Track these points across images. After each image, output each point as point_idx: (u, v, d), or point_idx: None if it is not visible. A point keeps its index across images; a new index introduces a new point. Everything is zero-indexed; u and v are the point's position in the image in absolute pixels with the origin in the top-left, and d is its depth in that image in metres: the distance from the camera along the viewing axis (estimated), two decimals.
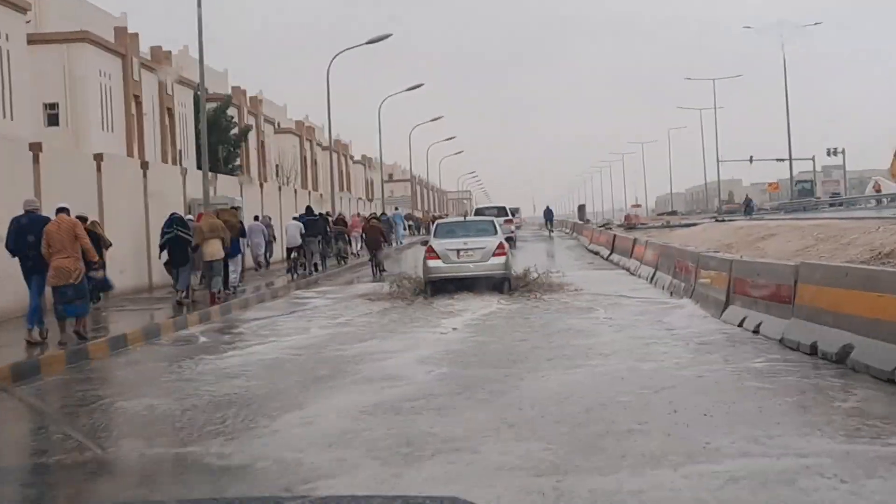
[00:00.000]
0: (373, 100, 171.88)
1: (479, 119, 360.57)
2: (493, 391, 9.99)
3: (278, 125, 73.19)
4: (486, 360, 12.38)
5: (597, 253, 37.75)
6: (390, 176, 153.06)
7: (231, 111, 55.55)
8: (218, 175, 34.55)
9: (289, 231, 33.35)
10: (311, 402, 9.93)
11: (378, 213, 51.58)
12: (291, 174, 60.97)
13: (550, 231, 69.64)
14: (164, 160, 45.33)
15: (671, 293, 19.31)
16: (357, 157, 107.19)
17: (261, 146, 63.44)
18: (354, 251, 44.00)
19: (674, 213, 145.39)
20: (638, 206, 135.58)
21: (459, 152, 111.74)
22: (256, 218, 35.57)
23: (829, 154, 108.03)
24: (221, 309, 20.90)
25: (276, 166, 68.03)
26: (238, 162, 53.29)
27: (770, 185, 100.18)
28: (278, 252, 36.65)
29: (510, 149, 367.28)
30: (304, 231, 32.47)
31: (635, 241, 28.72)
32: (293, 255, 32.23)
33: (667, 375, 10.36)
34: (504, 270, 22.94)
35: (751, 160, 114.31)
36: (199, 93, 26.36)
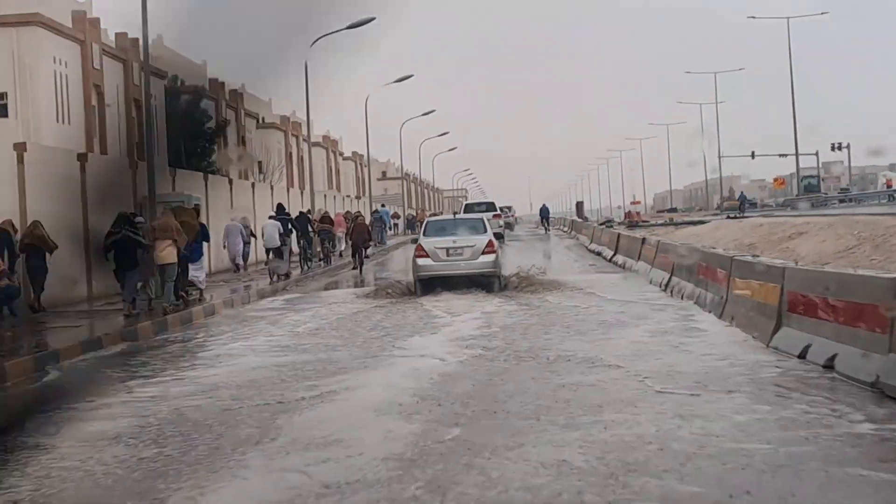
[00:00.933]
0: (365, 96, 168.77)
1: (476, 116, 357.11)
2: (477, 471, 6.59)
3: (262, 120, 69.72)
4: (473, 415, 8.74)
5: (598, 254, 34.32)
6: (384, 173, 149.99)
7: (207, 105, 52.03)
8: (178, 170, 31.16)
9: (266, 231, 30.51)
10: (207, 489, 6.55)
11: (357, 211, 48.82)
12: (275, 170, 57.44)
13: (547, 229, 67.30)
14: (131, 156, 41.86)
15: (695, 304, 15.89)
16: (348, 154, 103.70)
17: (241, 142, 59.97)
18: (341, 250, 40.69)
19: (673, 210, 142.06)
20: (637, 203, 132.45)
21: (453, 148, 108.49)
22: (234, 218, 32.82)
23: (833, 149, 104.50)
24: (155, 326, 17.51)
25: (259, 163, 64.59)
26: (214, 158, 49.77)
27: (775, 180, 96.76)
28: (259, 253, 33.47)
29: (507, 146, 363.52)
30: (281, 230, 30.10)
31: (644, 240, 25.30)
32: (271, 256, 29.55)
33: (725, 452, 6.77)
34: (493, 268, 22.81)
35: (752, 156, 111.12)
36: (144, 70, 22.84)
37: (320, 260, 36.37)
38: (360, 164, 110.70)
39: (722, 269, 14.63)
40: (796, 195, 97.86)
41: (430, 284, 22.72)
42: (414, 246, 24.65)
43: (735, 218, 44.56)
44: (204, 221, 25.67)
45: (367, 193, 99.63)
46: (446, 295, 21.49)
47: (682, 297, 17.41)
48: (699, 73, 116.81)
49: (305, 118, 44.48)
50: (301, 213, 36.64)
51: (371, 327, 16.24)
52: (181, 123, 46.91)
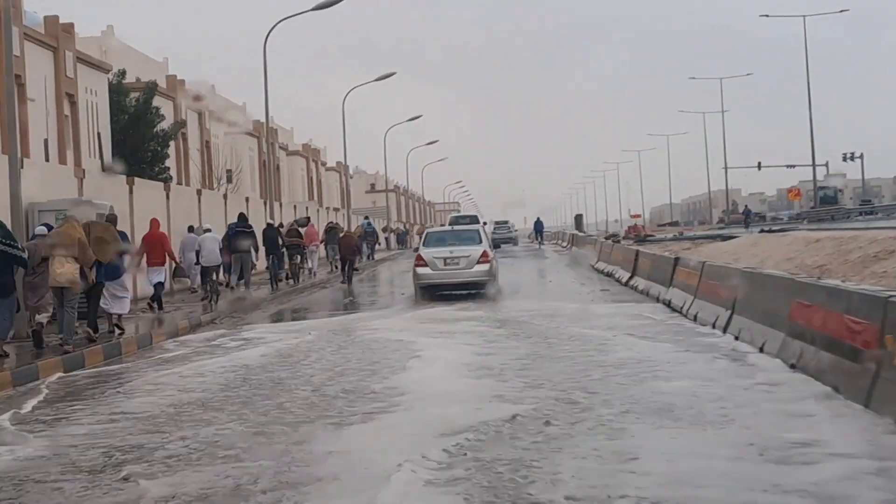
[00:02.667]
0: (344, 94, 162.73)
1: (469, 129, 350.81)
2: None
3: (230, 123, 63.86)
4: None
5: (609, 275, 28.39)
6: (372, 186, 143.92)
7: (165, 104, 46.12)
8: (86, 171, 25.24)
9: (204, 246, 25.26)
10: None
11: (334, 222, 44.26)
12: (233, 177, 51.21)
13: (540, 243, 63.77)
14: (63, 160, 35.89)
15: (809, 374, 9.77)
16: (333, 165, 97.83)
17: (205, 147, 53.98)
18: (310, 267, 35.20)
19: (675, 223, 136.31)
20: (637, 216, 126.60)
21: (443, 158, 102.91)
22: (191, 229, 27.80)
23: (844, 159, 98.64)
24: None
25: (229, 171, 58.64)
26: (168, 164, 43.75)
27: (790, 191, 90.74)
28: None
29: (500, 160, 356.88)
30: (222, 245, 25.84)
31: (677, 261, 19.35)
32: (213, 276, 24.83)
33: None
34: (488, 277, 23.88)
35: (759, 167, 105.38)
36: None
37: (288, 278, 31.39)
38: (346, 175, 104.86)
39: (861, 319, 8.57)
40: (811, 207, 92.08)
41: (429, 291, 23.89)
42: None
43: (771, 231, 38.66)
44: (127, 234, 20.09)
45: (354, 206, 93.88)
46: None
47: (760, 349, 11.48)
48: (704, 78, 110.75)
49: (296, 126, 38.66)
50: (269, 224, 31.39)
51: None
52: (132, 124, 41.03)
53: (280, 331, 18.01)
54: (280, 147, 73.23)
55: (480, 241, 24.61)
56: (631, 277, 24.79)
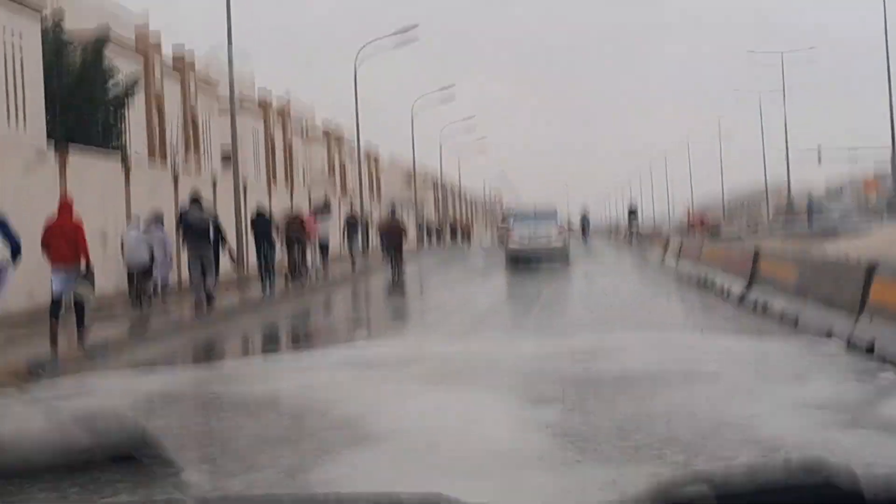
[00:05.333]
0: (402, 98, 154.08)
1: (511, 118, 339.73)
2: None
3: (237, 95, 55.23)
4: None
5: (703, 283, 19.57)
6: (409, 177, 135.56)
7: (130, 65, 37.58)
8: None
9: (127, 243, 19.86)
10: None
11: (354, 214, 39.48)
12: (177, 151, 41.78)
13: (587, 241, 57.20)
14: None
15: None
16: (370, 153, 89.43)
17: (192, 124, 45.32)
18: (314, 264, 28.82)
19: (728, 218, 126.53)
20: (689, 211, 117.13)
21: (482, 138, 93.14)
22: (159, 220, 21.33)
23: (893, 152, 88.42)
24: None
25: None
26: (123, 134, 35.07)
27: (867, 182, 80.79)
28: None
29: (547, 153, 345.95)
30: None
31: (873, 270, 10.32)
32: (138, 279, 19.64)
33: None
34: (564, 248, 30.13)
35: (819, 158, 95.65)
36: None
37: (294, 279, 25.92)
38: (377, 163, 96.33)
39: None
40: (889, 199, 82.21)
41: (516, 259, 29.22)
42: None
43: None
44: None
45: (359, 189, 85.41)
46: None
47: None
48: (764, 52, 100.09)
49: (315, 104, 30.16)
50: (260, 213, 25.16)
51: None
52: (77, 85, 32.33)
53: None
54: (294, 128, 64.67)
55: (558, 221, 31.26)
56: (748, 288, 15.83)
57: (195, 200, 20.25)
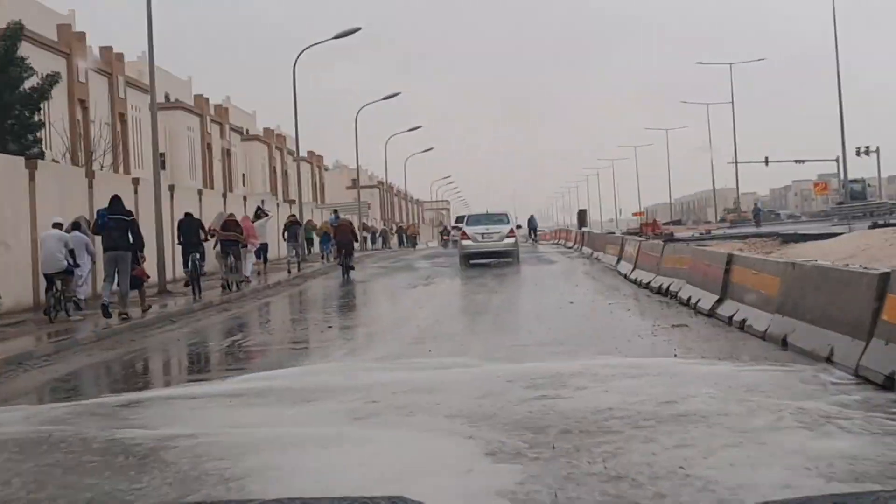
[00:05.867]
0: (348, 106, 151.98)
1: (456, 124, 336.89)
2: None
3: (171, 99, 52.92)
4: None
5: (666, 292, 17.96)
6: (354, 182, 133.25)
7: (53, 61, 35.40)
8: None
9: (44, 246, 18.46)
10: None
11: (295, 216, 37.76)
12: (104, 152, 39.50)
13: (535, 241, 60.83)
14: None
15: None
16: (313, 155, 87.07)
17: (119, 120, 43.01)
18: (246, 275, 27.14)
19: (679, 222, 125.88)
20: (641, 214, 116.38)
21: (429, 149, 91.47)
22: (76, 226, 20.13)
23: (858, 154, 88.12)
24: None
25: (162, 155, 47.83)
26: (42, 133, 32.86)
27: (817, 185, 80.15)
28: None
29: (490, 157, 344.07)
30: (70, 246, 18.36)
31: (887, 279, 8.62)
32: (56, 286, 18.06)
33: None
34: (513, 247, 32.85)
35: (766, 162, 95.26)
36: None
37: (229, 285, 24.87)
38: (319, 166, 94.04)
39: None
40: (839, 203, 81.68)
41: (470, 257, 32.10)
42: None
43: (888, 225, 28.34)
44: None
45: (315, 199, 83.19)
46: None
47: None
48: (712, 64, 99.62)
49: (243, 110, 28.02)
50: (188, 214, 24.33)
51: None
52: None
53: None
54: (233, 129, 62.44)
55: (508, 222, 33.49)
56: (720, 302, 14.19)
57: (115, 201, 18.53)
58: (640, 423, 7.12)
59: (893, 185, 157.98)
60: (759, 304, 12.31)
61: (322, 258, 41.03)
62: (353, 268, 30.75)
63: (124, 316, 17.53)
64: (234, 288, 24.77)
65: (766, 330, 11.56)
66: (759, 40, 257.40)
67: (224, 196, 38.07)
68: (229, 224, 25.81)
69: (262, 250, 32.13)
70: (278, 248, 38.51)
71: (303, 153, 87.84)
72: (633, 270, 23.09)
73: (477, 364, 10.52)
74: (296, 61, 41.23)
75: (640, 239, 25.55)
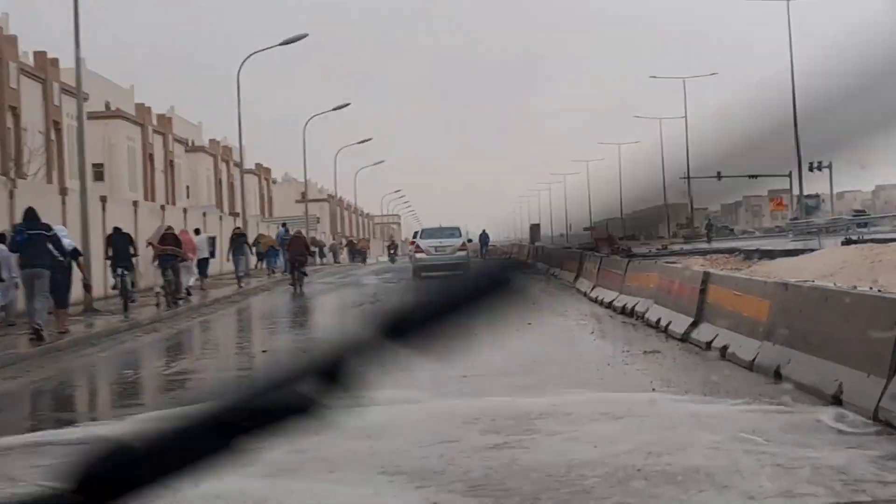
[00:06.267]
0: (298, 121, 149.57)
1: (407, 138, 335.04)
2: None
3: (112, 108, 50.96)
4: None
5: (631, 313, 16.62)
6: (302, 195, 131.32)
7: None
8: None
9: None
10: None
11: (240, 229, 37.06)
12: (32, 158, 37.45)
13: (485, 257, 53.19)
14: None
15: None
16: (261, 168, 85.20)
17: (52, 127, 41.06)
18: (190, 285, 26.61)
19: (632, 237, 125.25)
20: (593, 229, 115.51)
21: (379, 162, 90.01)
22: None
23: (811, 169, 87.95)
24: None
25: (100, 164, 45.91)
26: None
27: (773, 200, 79.60)
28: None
29: (445, 172, 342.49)
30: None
31: None
32: None
33: None
34: (465, 260, 32.98)
35: (718, 176, 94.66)
36: None
37: (167, 302, 23.19)
38: (267, 179, 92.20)
39: None
40: (792, 219, 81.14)
41: (423, 269, 32.89)
42: None
43: (862, 241, 27.31)
44: None
45: (264, 213, 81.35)
46: None
47: None
48: (666, 77, 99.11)
49: (188, 122, 26.29)
50: (116, 229, 23.01)
51: None
52: None
53: None
54: (177, 140, 60.56)
55: (460, 235, 35.33)
56: (694, 325, 12.84)
57: (30, 214, 16.91)
58: (629, 484, 5.71)
59: (843, 201, 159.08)
60: (744, 329, 10.97)
61: (268, 273, 39.47)
62: (305, 274, 31.16)
63: (33, 337, 15.87)
64: (172, 305, 23.40)
65: (753, 359, 10.20)
66: (713, 56, 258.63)
67: (162, 208, 36.32)
68: (167, 237, 24.66)
69: (204, 265, 30.90)
70: (221, 262, 36.90)
71: (250, 166, 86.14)
72: (593, 288, 21.74)
73: (425, 399, 9.04)
74: (240, 69, 39.62)
75: (600, 255, 24.12)
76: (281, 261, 39.46)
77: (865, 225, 70.09)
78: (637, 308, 16.46)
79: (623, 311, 17.42)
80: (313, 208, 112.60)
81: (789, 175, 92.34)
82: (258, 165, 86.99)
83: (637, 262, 18.71)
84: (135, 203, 32.77)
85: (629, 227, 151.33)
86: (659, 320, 14.58)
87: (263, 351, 14.91)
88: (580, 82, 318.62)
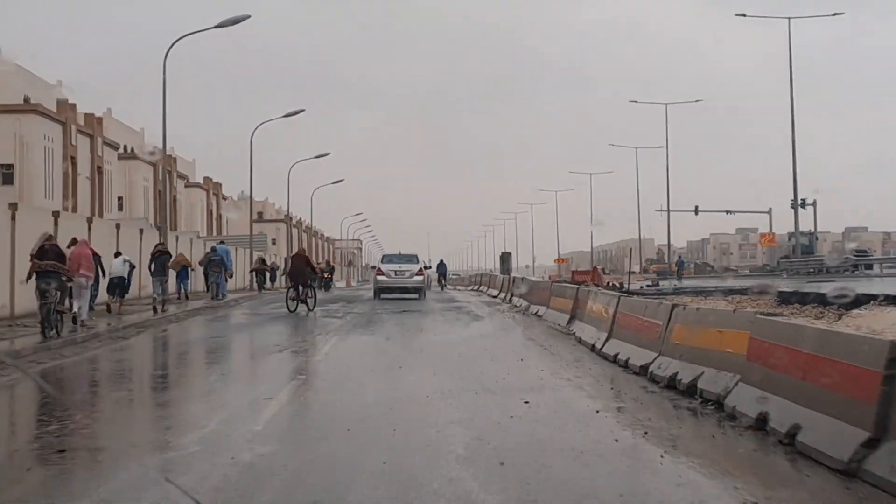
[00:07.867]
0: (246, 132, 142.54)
1: (374, 164, 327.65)
2: None
3: (25, 99, 44.31)
4: None
5: (666, 382, 10.29)
6: (260, 214, 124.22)
7: None
8: None
9: None
10: None
11: (163, 244, 30.89)
12: None
13: (444, 287, 57.67)
14: None
15: None
16: (209, 182, 78.26)
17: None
18: (76, 312, 20.87)
19: (604, 272, 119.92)
20: (563, 261, 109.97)
21: (339, 181, 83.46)
22: None
23: (793, 206, 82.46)
24: None
25: (9, 165, 39.18)
26: None
27: (764, 236, 73.92)
28: None
29: (408, 198, 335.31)
30: None
31: None
32: None
33: None
34: (421, 284, 37.44)
35: (696, 211, 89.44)
36: None
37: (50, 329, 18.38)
38: (217, 195, 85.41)
39: None
40: (783, 257, 75.58)
41: (383, 291, 36.60)
42: None
43: None
44: None
45: (204, 230, 74.61)
46: None
47: None
48: (647, 103, 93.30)
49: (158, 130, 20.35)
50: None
51: None
52: None
53: None
54: (108, 144, 53.84)
55: (418, 262, 38.64)
56: (876, 444, 6.45)
57: None
58: None
59: (826, 243, 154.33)
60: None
61: (179, 297, 33.11)
62: (313, 289, 28.81)
63: None
64: (57, 333, 18.33)
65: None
66: (695, 84, 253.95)
67: (89, 221, 30.02)
68: (48, 250, 18.90)
69: (118, 286, 25.03)
70: (140, 282, 30.78)
71: (199, 179, 79.39)
72: (606, 341, 15.37)
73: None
74: (167, 53, 33.19)
75: (617, 294, 17.59)
76: (190, 283, 33.92)
77: (871, 266, 64.87)
78: (704, 385, 10.11)
79: (672, 384, 11.07)
80: (269, 229, 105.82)
81: (769, 212, 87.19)
82: (206, 179, 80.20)
83: (692, 309, 12.23)
84: (55, 213, 26.41)
85: (597, 261, 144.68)
86: (765, 415, 8.19)
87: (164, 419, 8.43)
88: (553, 110, 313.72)
